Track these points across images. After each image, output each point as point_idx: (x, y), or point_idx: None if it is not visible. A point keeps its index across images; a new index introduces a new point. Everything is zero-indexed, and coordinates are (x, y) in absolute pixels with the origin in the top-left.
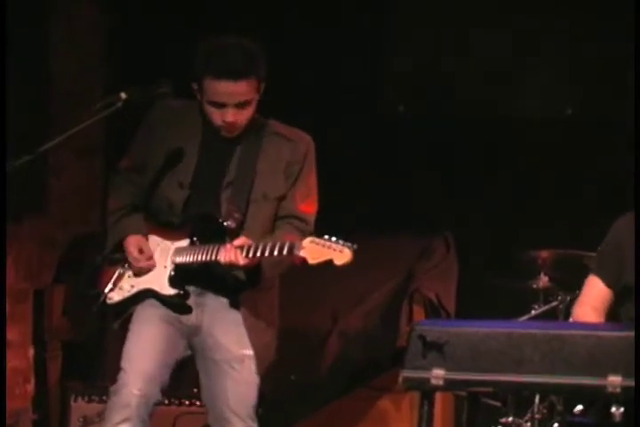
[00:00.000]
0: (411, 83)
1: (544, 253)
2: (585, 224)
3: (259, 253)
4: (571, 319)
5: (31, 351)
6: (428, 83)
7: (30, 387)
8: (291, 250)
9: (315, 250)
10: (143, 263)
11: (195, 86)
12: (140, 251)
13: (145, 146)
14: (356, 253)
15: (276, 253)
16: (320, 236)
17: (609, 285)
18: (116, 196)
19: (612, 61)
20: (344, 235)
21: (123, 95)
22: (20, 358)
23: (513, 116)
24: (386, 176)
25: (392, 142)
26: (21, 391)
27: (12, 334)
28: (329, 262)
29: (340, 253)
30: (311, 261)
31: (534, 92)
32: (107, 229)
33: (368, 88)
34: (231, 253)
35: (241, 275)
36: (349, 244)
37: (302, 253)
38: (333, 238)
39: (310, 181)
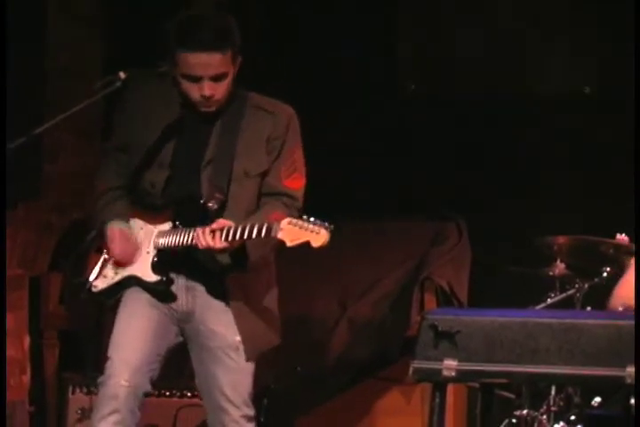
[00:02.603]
0: (424, 61)
1: (560, 239)
2: (604, 210)
3: (237, 237)
4: (612, 299)
5: (27, 341)
6: (440, 61)
7: (26, 378)
8: (269, 232)
9: (292, 232)
10: (123, 257)
11: (169, 62)
12: (123, 241)
13: (125, 126)
14: (333, 233)
15: (254, 235)
16: (299, 217)
17: None
18: (103, 178)
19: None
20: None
21: (122, 74)
22: (16, 348)
23: (528, 97)
24: (398, 161)
25: (405, 126)
26: (17, 382)
27: (7, 322)
28: (306, 244)
29: (317, 235)
30: (289, 243)
31: (551, 71)
32: (93, 214)
33: (381, 68)
34: (207, 238)
35: (225, 259)
36: (326, 224)
37: (280, 236)
38: (312, 219)
39: (295, 156)
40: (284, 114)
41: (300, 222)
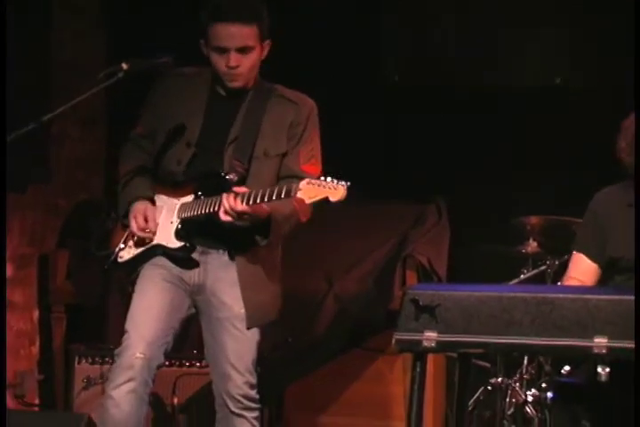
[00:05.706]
0: (405, 52)
1: (533, 220)
2: (573, 191)
3: (258, 200)
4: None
5: (36, 314)
6: (421, 52)
7: (35, 349)
8: (288, 193)
9: (310, 190)
10: (145, 234)
11: (202, 42)
12: (145, 219)
13: (155, 113)
14: (349, 190)
15: (274, 197)
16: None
17: (594, 260)
18: (126, 162)
19: (603, 32)
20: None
21: (124, 65)
22: (25, 321)
23: (503, 86)
24: (380, 143)
25: (387, 111)
26: (26, 353)
27: (17, 297)
28: (324, 201)
29: (335, 191)
30: (307, 200)
31: (523, 62)
32: (117, 195)
33: (365, 58)
34: (230, 200)
35: (246, 225)
36: (343, 182)
37: (299, 195)
38: (328, 179)
39: (314, 144)
40: (307, 104)
41: (318, 182)
